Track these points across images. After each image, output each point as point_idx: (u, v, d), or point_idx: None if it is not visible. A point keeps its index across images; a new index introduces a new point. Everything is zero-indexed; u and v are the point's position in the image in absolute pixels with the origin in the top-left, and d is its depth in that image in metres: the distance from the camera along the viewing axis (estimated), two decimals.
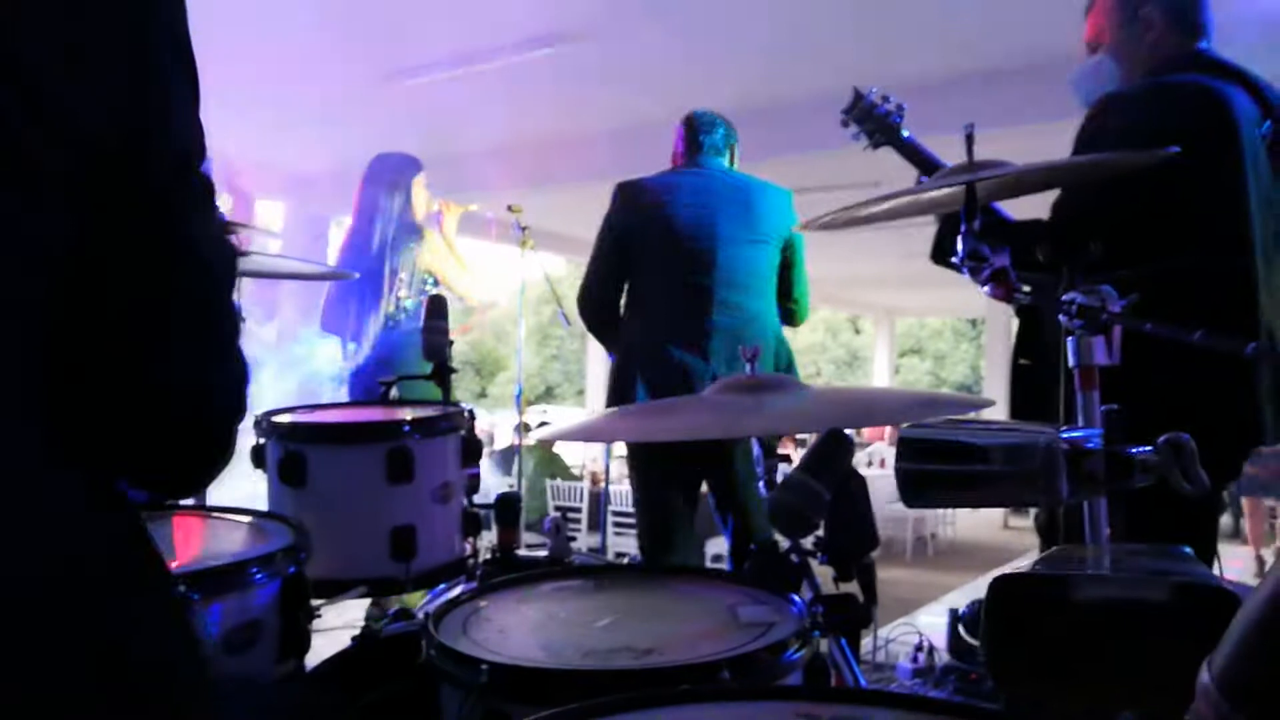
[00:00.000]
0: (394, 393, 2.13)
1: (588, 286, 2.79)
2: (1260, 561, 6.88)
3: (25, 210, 0.56)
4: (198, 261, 0.67)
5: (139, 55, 0.62)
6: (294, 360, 3.59)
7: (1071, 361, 1.05)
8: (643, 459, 2.71)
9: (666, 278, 2.65)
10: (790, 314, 2.81)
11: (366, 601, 2.55)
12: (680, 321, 2.61)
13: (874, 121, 2.07)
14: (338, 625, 1.66)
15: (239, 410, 0.72)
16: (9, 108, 0.55)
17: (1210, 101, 1.65)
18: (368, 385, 3.08)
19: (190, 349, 0.67)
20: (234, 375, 0.70)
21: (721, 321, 2.59)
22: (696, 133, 2.74)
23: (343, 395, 3.25)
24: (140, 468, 0.68)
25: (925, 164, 2.19)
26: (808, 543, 1.14)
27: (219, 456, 0.71)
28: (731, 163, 2.80)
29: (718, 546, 6.23)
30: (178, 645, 0.62)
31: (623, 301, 2.76)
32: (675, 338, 2.58)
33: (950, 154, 1.58)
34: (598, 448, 6.39)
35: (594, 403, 10.05)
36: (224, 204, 3.28)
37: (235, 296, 0.72)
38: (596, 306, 2.78)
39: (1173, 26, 1.78)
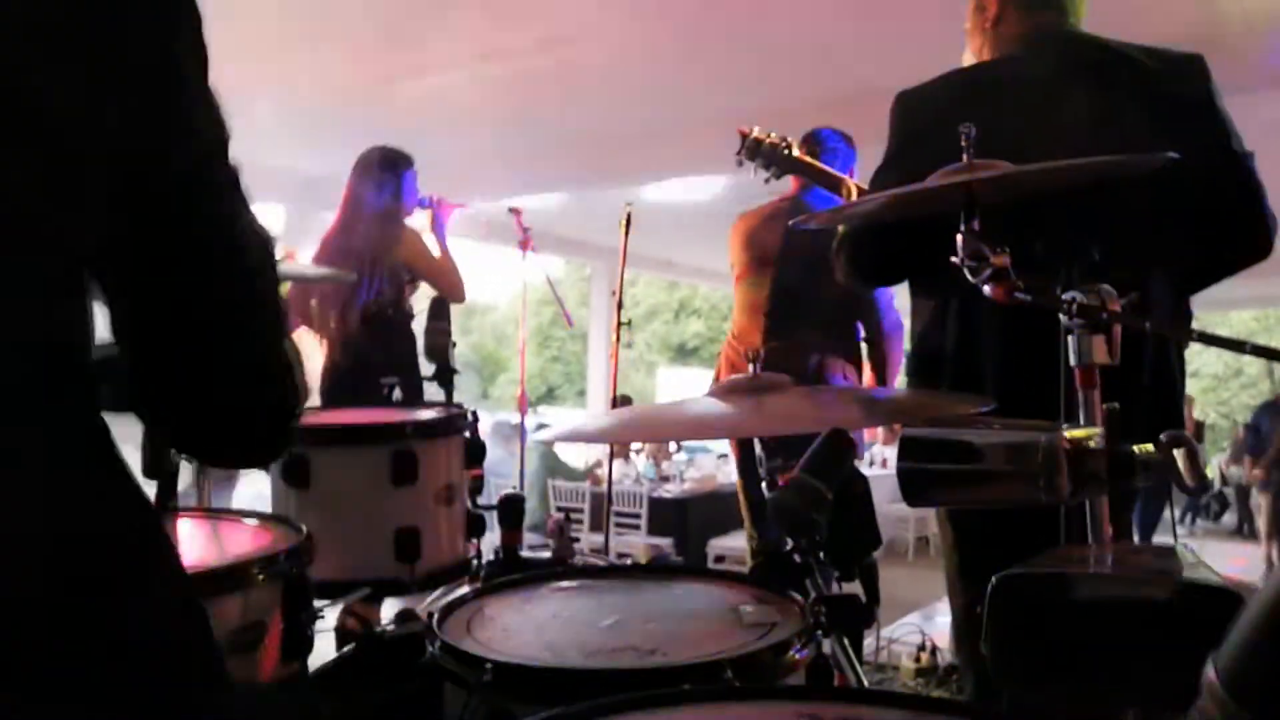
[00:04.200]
0: (396, 393, 2.14)
1: None
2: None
3: (58, 209, 0.56)
4: (232, 243, 0.67)
5: (164, 55, 0.62)
6: None
7: (1072, 360, 1.05)
8: None
9: None
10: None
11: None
12: None
13: (765, 155, 2.21)
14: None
15: (291, 394, 0.72)
16: (32, 111, 0.55)
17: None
18: (352, 383, 2.99)
19: (234, 332, 0.67)
20: (281, 357, 0.71)
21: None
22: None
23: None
24: (203, 447, 0.71)
25: (827, 179, 2.31)
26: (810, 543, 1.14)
27: (278, 438, 0.73)
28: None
29: (719, 547, 6.23)
30: (188, 641, 0.63)
31: None
32: None
33: None
34: (600, 448, 6.39)
35: (594, 404, 10.01)
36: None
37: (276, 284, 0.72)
38: None
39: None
